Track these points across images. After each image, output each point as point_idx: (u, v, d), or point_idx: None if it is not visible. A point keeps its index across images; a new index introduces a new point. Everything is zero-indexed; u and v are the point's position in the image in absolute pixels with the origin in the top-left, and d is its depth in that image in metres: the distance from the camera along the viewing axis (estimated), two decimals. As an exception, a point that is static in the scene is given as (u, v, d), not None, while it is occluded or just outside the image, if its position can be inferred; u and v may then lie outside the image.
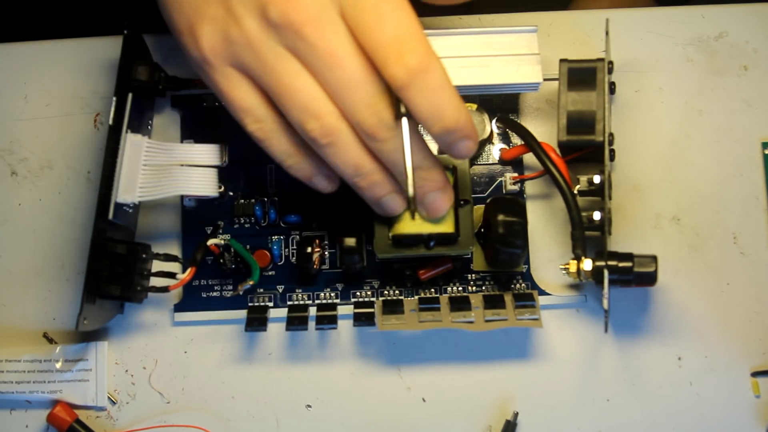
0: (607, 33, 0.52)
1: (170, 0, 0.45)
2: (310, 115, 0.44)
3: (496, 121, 0.56)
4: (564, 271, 0.52)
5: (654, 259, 0.51)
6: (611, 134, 0.52)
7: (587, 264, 0.51)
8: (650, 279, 0.51)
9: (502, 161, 0.56)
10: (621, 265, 0.50)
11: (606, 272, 0.50)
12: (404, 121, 0.44)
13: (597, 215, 0.52)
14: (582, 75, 0.53)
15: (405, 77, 0.42)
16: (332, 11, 0.43)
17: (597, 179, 0.53)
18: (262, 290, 0.56)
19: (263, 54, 0.43)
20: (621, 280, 0.51)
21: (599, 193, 0.53)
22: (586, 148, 0.53)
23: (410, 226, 0.51)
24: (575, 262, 0.51)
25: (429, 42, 0.43)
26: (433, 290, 0.55)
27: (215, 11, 0.44)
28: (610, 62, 0.53)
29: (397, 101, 0.44)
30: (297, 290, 0.56)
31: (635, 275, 0.50)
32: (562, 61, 0.53)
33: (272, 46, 0.43)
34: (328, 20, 0.43)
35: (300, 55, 0.43)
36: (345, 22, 0.43)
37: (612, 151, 0.52)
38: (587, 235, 0.52)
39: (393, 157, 0.46)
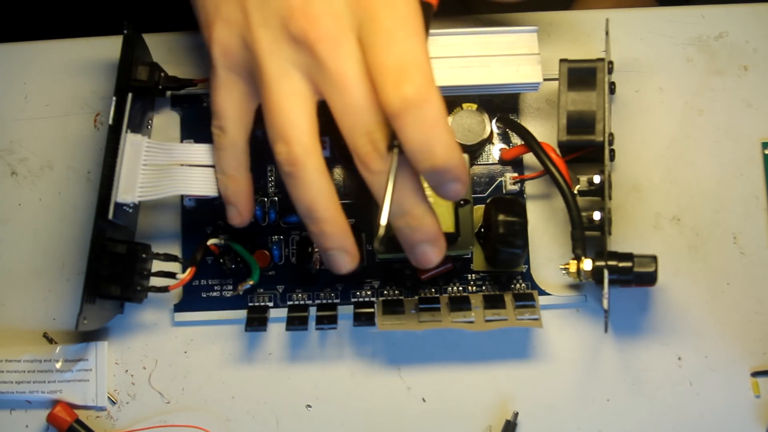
0: (607, 33, 0.52)
1: None
2: (283, 138, 0.44)
3: (496, 121, 0.56)
4: (564, 271, 0.52)
5: (654, 259, 0.51)
6: (611, 134, 0.52)
7: (587, 264, 0.51)
8: (650, 279, 0.51)
9: (502, 161, 0.56)
10: (621, 265, 0.50)
11: (606, 272, 0.50)
12: (394, 152, 0.43)
13: (597, 215, 0.52)
14: (582, 75, 0.53)
15: (399, 105, 0.41)
16: (349, 34, 0.43)
17: (597, 179, 0.53)
18: (262, 290, 0.56)
19: (268, 65, 0.43)
20: (621, 280, 0.51)
21: (599, 193, 0.53)
22: (586, 148, 0.53)
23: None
24: (575, 262, 0.51)
25: (432, 75, 0.42)
26: (433, 290, 0.55)
27: (234, 13, 0.44)
28: (610, 62, 0.53)
29: (392, 133, 0.43)
30: (297, 290, 0.56)
31: (635, 275, 0.50)
32: (562, 61, 0.53)
33: (279, 60, 0.43)
34: (344, 42, 0.43)
35: (309, 72, 0.43)
36: (360, 44, 0.43)
37: (612, 151, 0.52)
38: (587, 235, 0.52)
39: (382, 192, 0.44)
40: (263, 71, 0.44)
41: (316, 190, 0.45)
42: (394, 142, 0.43)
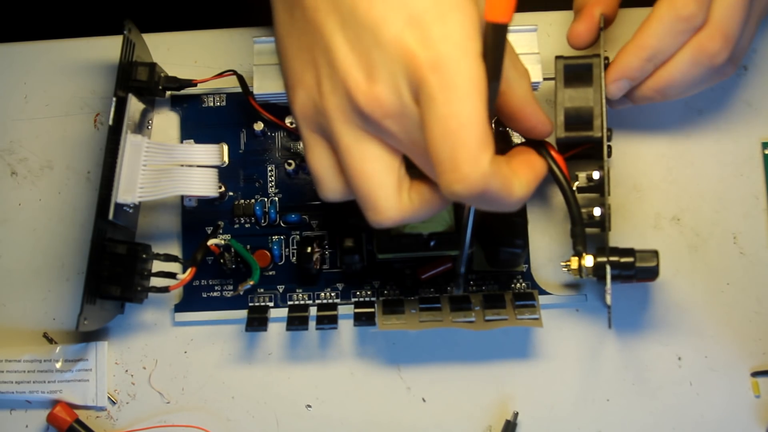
0: (602, 28, 0.52)
1: (283, 58, 0.45)
2: (371, 207, 0.44)
3: (496, 120, 0.56)
4: (565, 268, 0.52)
5: (655, 253, 0.51)
6: (609, 130, 0.52)
7: (588, 260, 0.51)
8: (652, 274, 0.51)
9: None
10: (623, 260, 0.50)
11: (608, 268, 0.50)
12: (470, 209, 0.45)
13: (597, 211, 0.52)
14: (578, 71, 0.53)
15: (454, 199, 0.41)
16: (411, 106, 0.41)
17: (596, 175, 0.53)
18: (262, 290, 0.56)
19: (341, 132, 0.43)
20: (623, 275, 0.51)
21: (598, 190, 0.53)
22: (584, 144, 0.53)
23: (410, 226, 0.51)
24: (576, 258, 0.51)
25: (488, 158, 0.40)
26: (433, 290, 0.55)
27: (310, 80, 0.43)
28: (606, 57, 0.53)
29: None
30: (297, 290, 0.56)
31: (637, 270, 0.50)
32: (557, 57, 0.53)
33: (351, 128, 0.43)
34: (409, 115, 0.41)
35: (383, 139, 0.43)
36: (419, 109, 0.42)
37: (609, 147, 0.52)
38: (587, 232, 0.52)
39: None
40: (338, 138, 0.43)
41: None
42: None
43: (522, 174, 0.44)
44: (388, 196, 0.43)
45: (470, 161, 0.40)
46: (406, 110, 0.41)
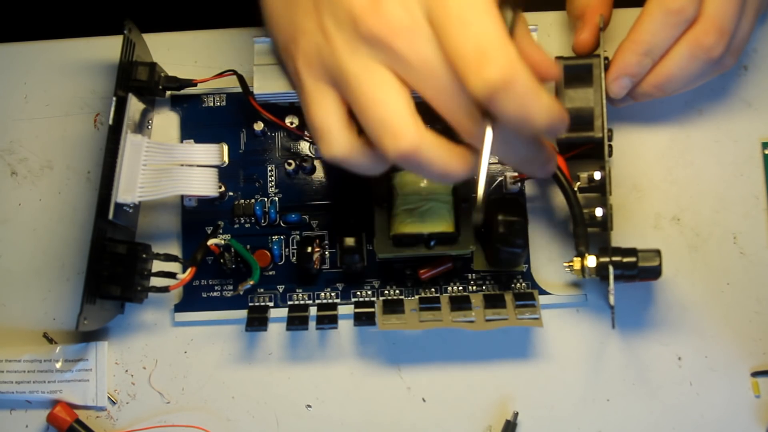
0: (601, 29, 0.52)
1: (276, 18, 0.45)
2: (387, 132, 0.42)
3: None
4: (568, 269, 0.52)
5: (658, 253, 0.51)
6: (610, 130, 0.52)
7: (591, 261, 0.51)
8: (655, 273, 0.51)
9: (503, 161, 0.56)
10: (625, 260, 0.50)
11: (611, 268, 0.50)
12: (487, 127, 0.42)
13: (599, 211, 0.52)
14: (578, 72, 0.53)
15: (486, 91, 0.40)
16: (421, 21, 0.41)
17: (597, 176, 0.53)
18: (262, 290, 0.56)
19: (349, 65, 0.42)
20: (626, 275, 0.51)
21: (599, 190, 0.53)
22: (585, 144, 0.53)
23: (410, 226, 0.51)
24: (579, 259, 0.51)
25: (513, 50, 0.40)
26: (433, 290, 0.55)
27: (311, 24, 0.43)
28: (606, 57, 0.53)
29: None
30: (297, 290, 0.56)
31: (640, 270, 0.50)
32: (557, 58, 0.53)
33: (360, 59, 0.42)
34: (419, 30, 0.41)
35: (392, 67, 0.42)
36: (432, 28, 0.42)
37: (610, 147, 0.52)
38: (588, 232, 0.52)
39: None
40: (346, 72, 0.42)
41: (442, 165, 0.43)
42: (485, 118, 0.42)
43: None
44: (404, 120, 0.42)
45: (499, 47, 0.40)
46: (416, 26, 0.41)
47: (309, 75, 0.44)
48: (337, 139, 0.44)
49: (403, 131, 0.42)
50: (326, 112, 0.44)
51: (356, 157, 0.44)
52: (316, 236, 0.55)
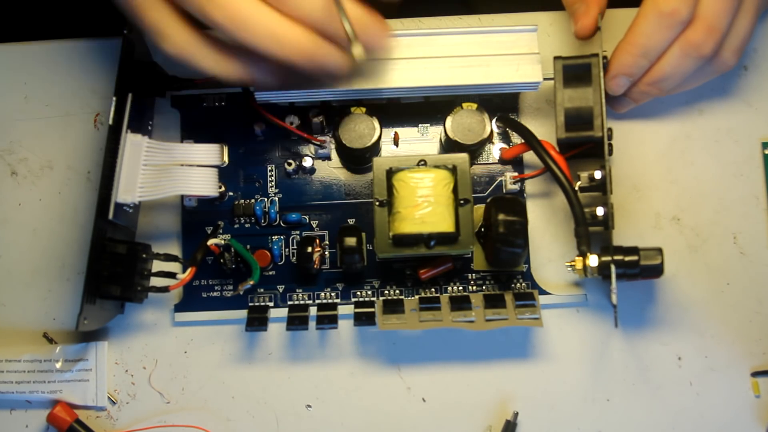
0: (599, 28, 0.52)
1: None
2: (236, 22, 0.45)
3: (496, 120, 0.56)
4: (570, 268, 0.52)
5: (659, 251, 0.51)
6: (610, 129, 0.53)
7: (593, 260, 0.51)
8: (657, 271, 0.51)
9: (502, 161, 0.56)
10: (627, 259, 0.51)
11: (613, 267, 0.50)
12: None
13: (600, 211, 0.52)
14: (577, 71, 0.53)
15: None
16: None
17: (598, 175, 0.53)
18: (262, 290, 0.56)
19: None
20: (628, 274, 0.51)
21: (599, 189, 0.54)
22: (585, 144, 0.53)
23: (410, 226, 0.51)
24: (581, 258, 0.51)
25: None
26: (433, 290, 0.55)
27: None
28: (605, 57, 0.53)
29: None
30: (297, 290, 0.56)
31: (641, 268, 0.51)
32: (556, 58, 0.53)
33: None
34: None
35: None
36: None
37: (610, 146, 0.52)
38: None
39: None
40: None
41: (273, 23, 0.46)
42: None
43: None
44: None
45: None
46: None
47: None
48: (174, 31, 0.46)
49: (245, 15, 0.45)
50: (159, 12, 0.46)
51: (195, 51, 0.47)
52: (315, 236, 0.55)
